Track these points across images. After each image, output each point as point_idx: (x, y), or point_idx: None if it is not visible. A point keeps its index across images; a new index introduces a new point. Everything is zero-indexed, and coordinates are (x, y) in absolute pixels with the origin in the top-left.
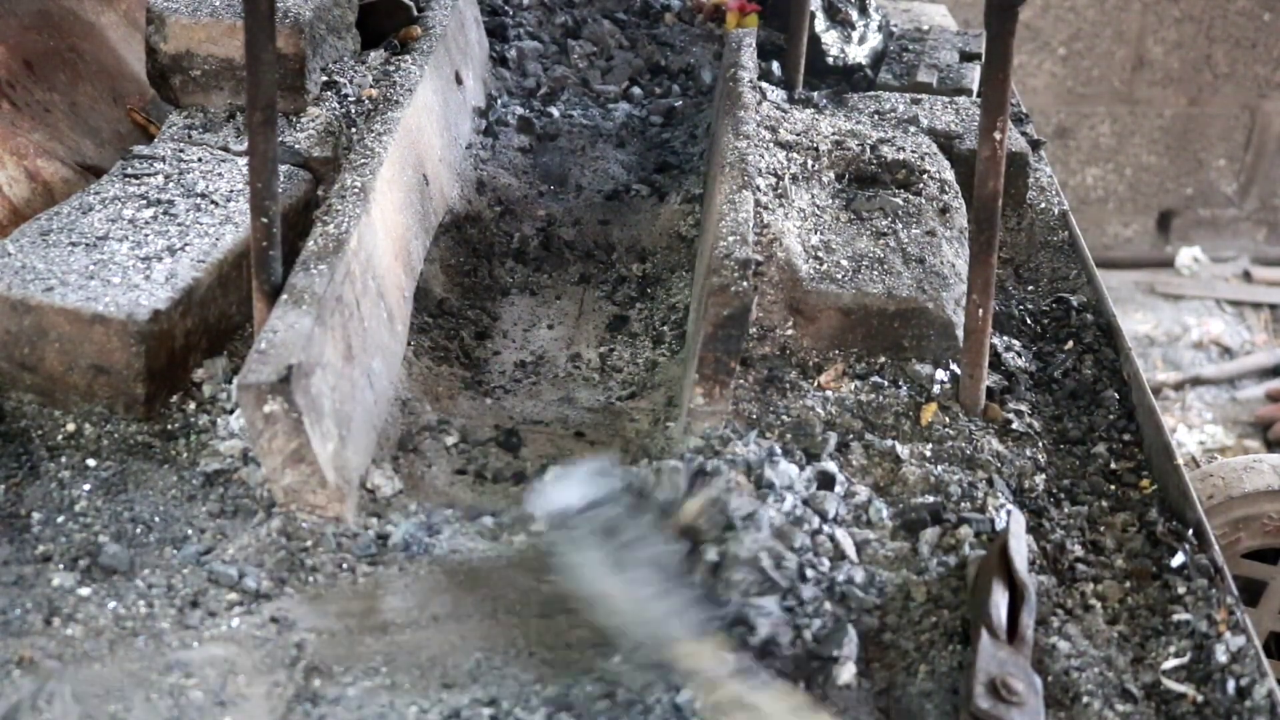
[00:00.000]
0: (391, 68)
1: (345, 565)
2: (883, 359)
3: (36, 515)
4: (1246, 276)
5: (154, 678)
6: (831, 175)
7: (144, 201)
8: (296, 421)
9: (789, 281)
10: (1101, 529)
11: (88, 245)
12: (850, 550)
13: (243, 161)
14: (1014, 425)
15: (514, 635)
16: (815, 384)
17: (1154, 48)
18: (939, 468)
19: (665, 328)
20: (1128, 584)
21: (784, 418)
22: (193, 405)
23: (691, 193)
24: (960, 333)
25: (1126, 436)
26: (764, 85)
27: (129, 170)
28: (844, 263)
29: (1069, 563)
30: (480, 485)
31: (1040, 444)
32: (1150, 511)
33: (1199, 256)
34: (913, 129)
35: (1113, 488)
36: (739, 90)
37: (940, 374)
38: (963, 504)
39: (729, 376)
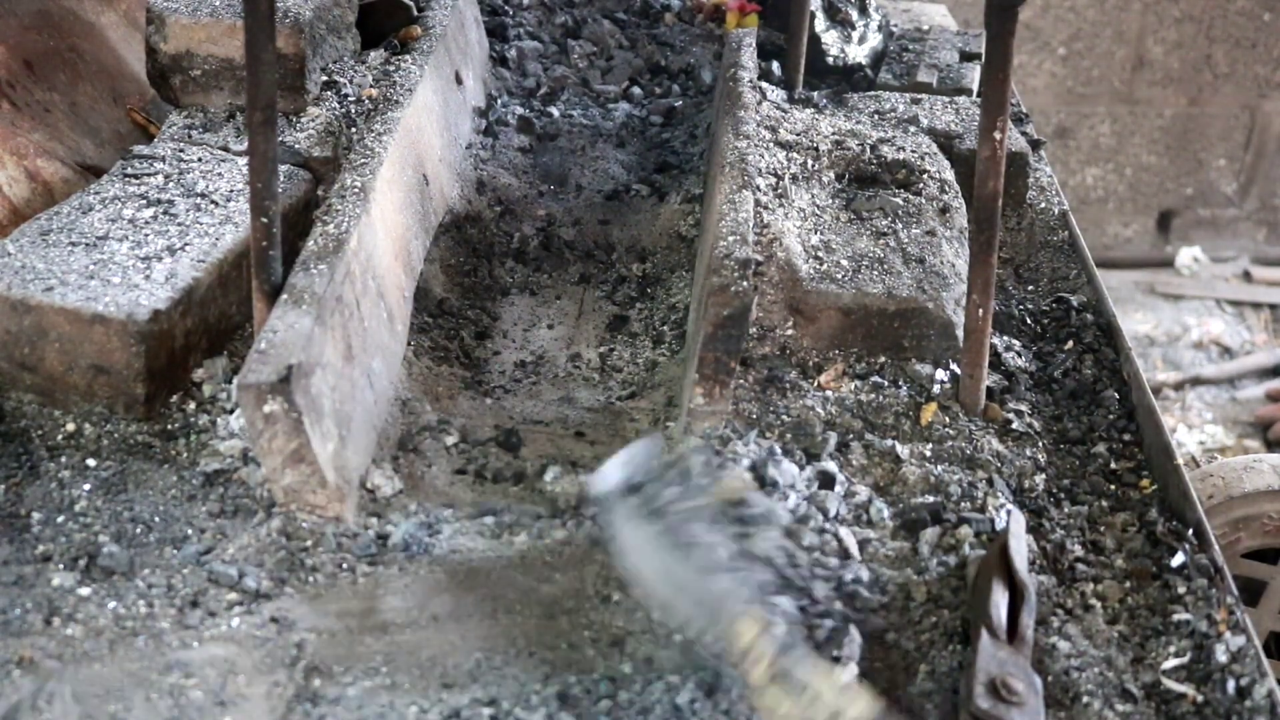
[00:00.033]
0: (391, 68)
1: (345, 565)
2: (883, 359)
3: (36, 515)
4: (1246, 276)
5: (154, 678)
6: (831, 175)
7: (144, 201)
8: (296, 421)
9: (789, 281)
10: (1101, 529)
11: (88, 245)
12: (855, 549)
13: (243, 161)
14: (1014, 425)
15: (514, 635)
16: (815, 384)
17: (1154, 48)
18: (939, 468)
19: (665, 328)
20: (1128, 584)
21: (784, 418)
22: (193, 405)
23: (691, 193)
24: (960, 333)
25: (1126, 436)
26: (764, 85)
27: (129, 170)
28: (844, 263)
29: (1069, 563)
30: (480, 485)
31: (1040, 444)
32: (1150, 511)
33: (1199, 256)
34: (913, 129)
35: (1113, 488)
36: (739, 90)
37: (940, 374)
38: (963, 504)
39: (729, 376)
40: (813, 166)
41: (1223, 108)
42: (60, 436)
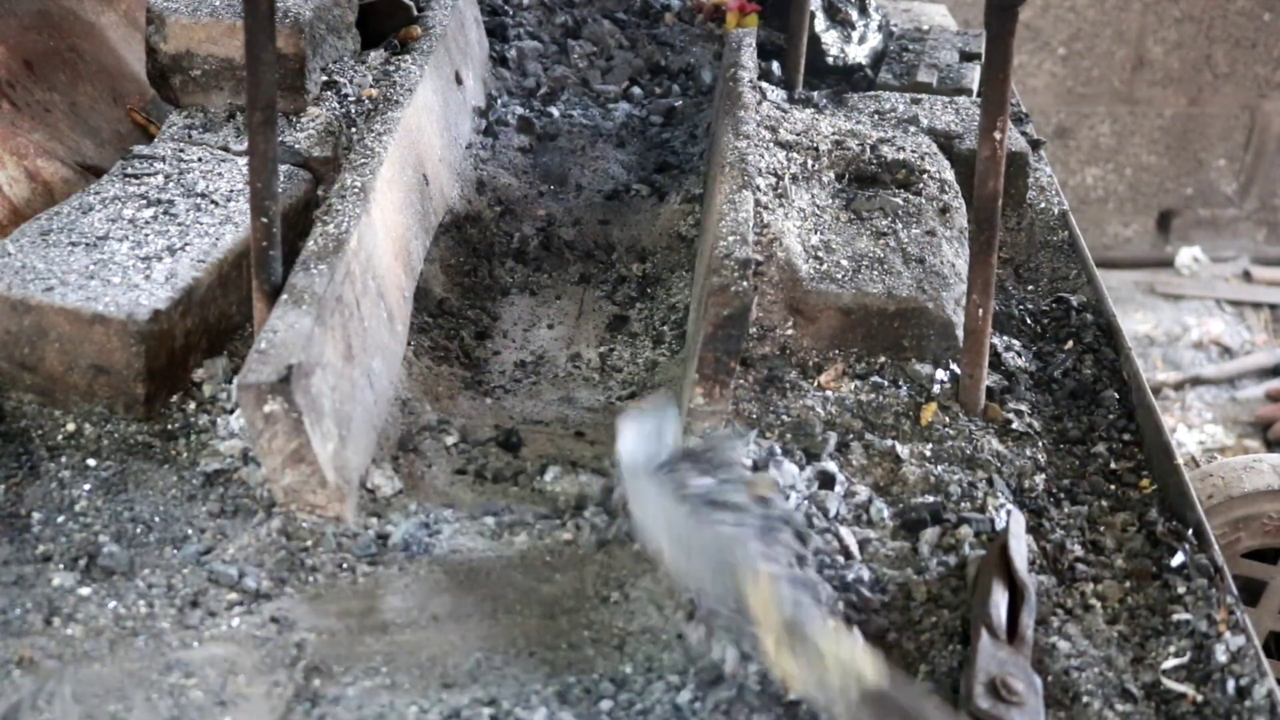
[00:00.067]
0: (391, 68)
1: (345, 565)
2: (883, 359)
3: (36, 515)
4: (1246, 276)
5: (154, 678)
6: (831, 175)
7: (144, 201)
8: (296, 421)
9: (789, 281)
10: (1101, 529)
11: (88, 245)
12: (855, 549)
13: (243, 161)
14: (1014, 425)
15: (514, 635)
16: (815, 384)
17: (1154, 48)
18: (939, 468)
19: (665, 328)
20: (1128, 584)
21: (784, 418)
22: (193, 405)
23: (691, 193)
24: (960, 333)
25: (1126, 436)
26: (764, 85)
27: (129, 170)
28: (844, 263)
29: (1069, 563)
30: (480, 485)
31: (1040, 444)
32: (1150, 511)
33: (1199, 256)
34: (913, 129)
35: (1113, 488)
36: (739, 90)
37: (940, 374)
38: (963, 504)
39: (729, 376)
40: (813, 166)
41: (1223, 108)
42: (60, 436)
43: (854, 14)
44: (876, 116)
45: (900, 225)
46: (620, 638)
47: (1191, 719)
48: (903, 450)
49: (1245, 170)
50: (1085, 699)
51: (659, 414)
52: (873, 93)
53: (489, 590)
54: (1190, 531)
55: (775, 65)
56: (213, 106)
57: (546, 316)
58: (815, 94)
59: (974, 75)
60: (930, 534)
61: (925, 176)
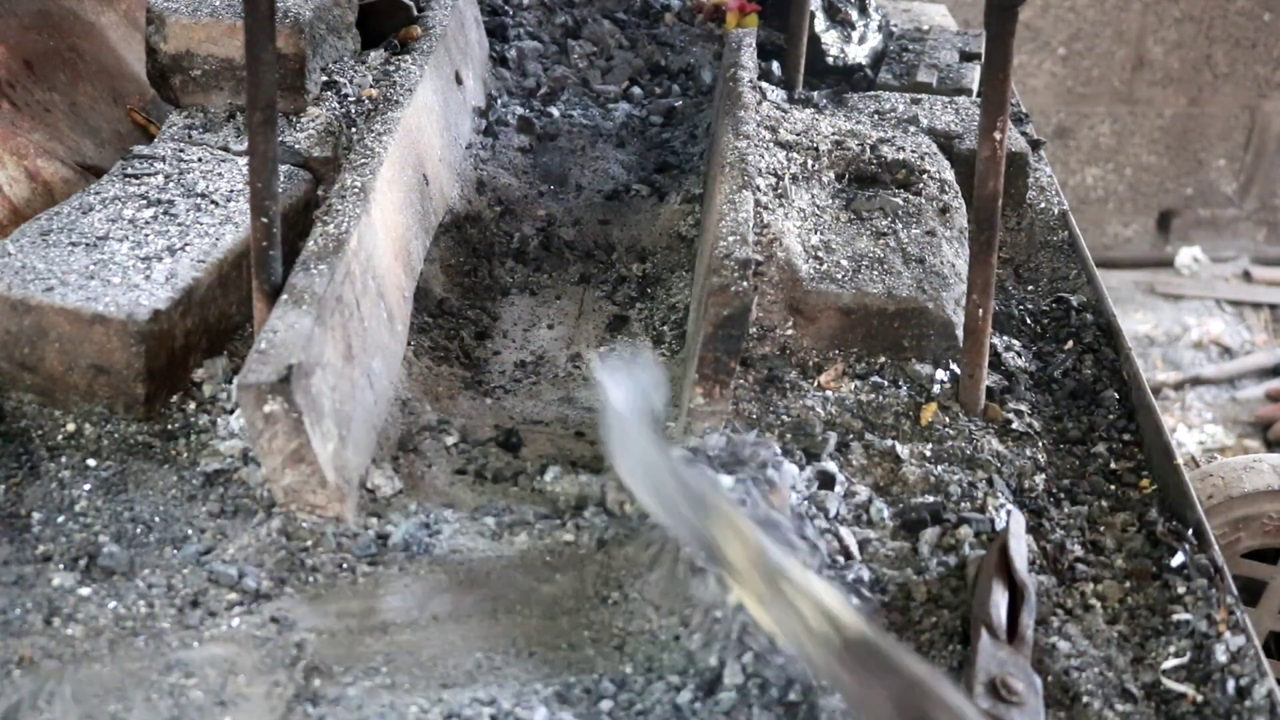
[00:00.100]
0: (391, 68)
1: (345, 565)
2: (883, 359)
3: (36, 515)
4: (1246, 276)
5: (154, 678)
6: (831, 175)
7: (144, 201)
8: (296, 421)
9: (789, 281)
10: (1101, 529)
11: (88, 245)
12: (855, 549)
13: (243, 161)
14: (1014, 425)
15: (514, 635)
16: (815, 384)
17: (1154, 48)
18: (939, 468)
19: (665, 328)
20: (1128, 584)
21: (784, 418)
22: (193, 405)
23: (691, 193)
24: (960, 333)
25: (1126, 436)
26: (764, 85)
27: (129, 170)
28: (844, 263)
29: (1069, 563)
30: (480, 485)
31: (1040, 444)
32: (1150, 511)
33: (1199, 256)
34: (913, 129)
35: (1113, 488)
36: (739, 90)
37: (940, 374)
38: (963, 504)
39: (729, 376)
40: (813, 166)
41: (1223, 108)
42: (60, 436)
43: (854, 14)
44: (876, 116)
45: (900, 225)
46: (620, 638)
47: (1191, 719)
48: (903, 450)
49: (1245, 170)
50: (1085, 699)
51: (646, 368)
52: (873, 93)
53: (489, 590)
54: (1190, 531)
55: (775, 65)
56: (213, 106)
57: (546, 316)
58: (815, 94)
59: (974, 75)
60: (930, 534)
61: (925, 176)
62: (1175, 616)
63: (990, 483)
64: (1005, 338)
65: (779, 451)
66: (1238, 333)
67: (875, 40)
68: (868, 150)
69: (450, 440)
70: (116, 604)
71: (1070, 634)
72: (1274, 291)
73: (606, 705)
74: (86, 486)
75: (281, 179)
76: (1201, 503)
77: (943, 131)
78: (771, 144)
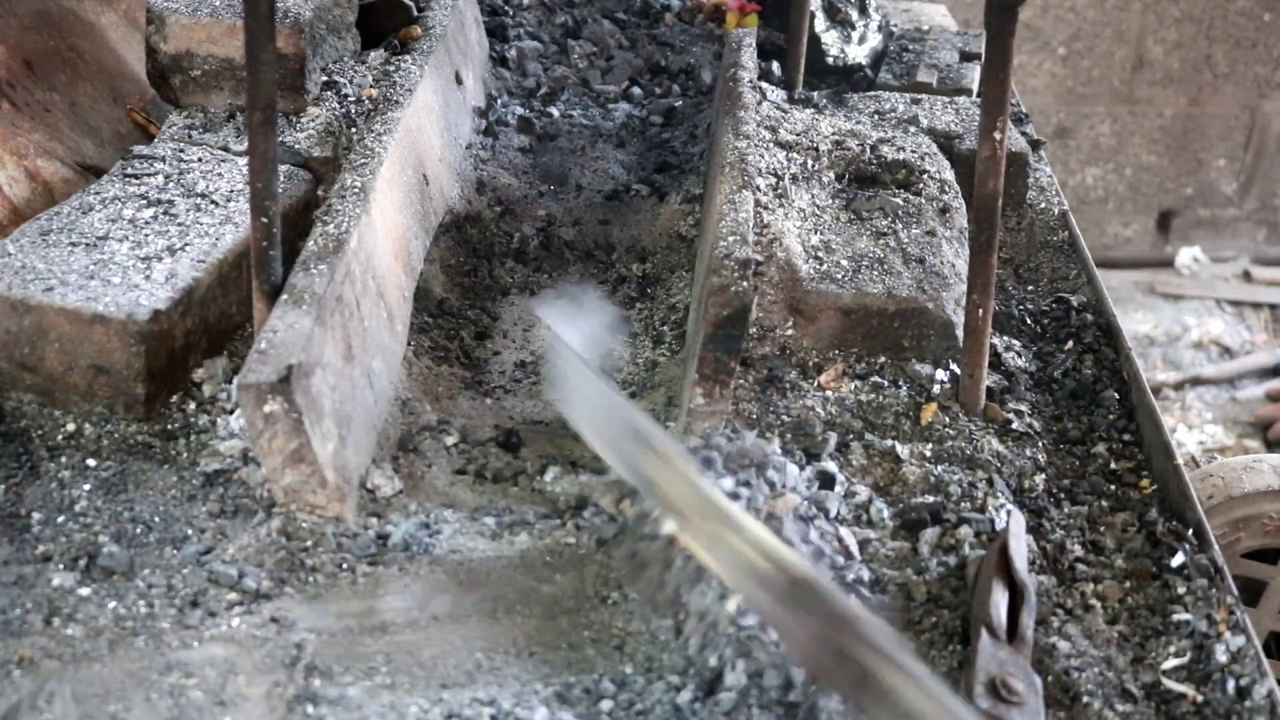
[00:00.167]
0: (391, 68)
1: (345, 565)
2: (883, 359)
3: (36, 515)
4: (1246, 276)
5: (154, 678)
6: (831, 175)
7: (144, 201)
8: (296, 421)
9: (789, 281)
10: (1101, 529)
11: (88, 245)
12: (855, 549)
13: (243, 161)
14: (1014, 425)
15: (514, 635)
16: (815, 384)
17: (1154, 48)
18: (939, 468)
19: (665, 328)
20: (1128, 584)
21: (784, 418)
22: (193, 405)
23: (691, 193)
24: (960, 333)
25: (1126, 436)
26: (764, 85)
27: (129, 170)
28: (844, 263)
29: (1069, 563)
30: (480, 485)
31: (1040, 444)
32: (1150, 511)
33: (1199, 256)
34: (913, 129)
35: (1113, 488)
36: (739, 90)
37: (940, 374)
38: (963, 504)
39: (729, 376)
40: (813, 166)
41: (1223, 108)
42: (60, 436)
43: (854, 14)
44: (876, 116)
45: (900, 225)
46: (620, 638)
47: (1191, 719)
48: (903, 450)
49: (1245, 170)
50: (1085, 699)
51: (592, 310)
52: (873, 93)
53: (489, 590)
54: (1190, 531)
55: (775, 65)
56: (213, 106)
57: None
58: (815, 94)
59: (974, 75)
60: (930, 534)
61: (925, 176)
62: (1175, 616)
63: (990, 483)
64: (1005, 338)
65: (779, 451)
66: (1238, 333)
67: (875, 40)
68: (868, 150)
69: (450, 440)
70: (116, 604)
71: (1070, 634)
72: (1274, 291)
73: (606, 705)
74: (86, 486)
75: (281, 179)
76: (1201, 503)
77: (943, 131)
78: (771, 144)
